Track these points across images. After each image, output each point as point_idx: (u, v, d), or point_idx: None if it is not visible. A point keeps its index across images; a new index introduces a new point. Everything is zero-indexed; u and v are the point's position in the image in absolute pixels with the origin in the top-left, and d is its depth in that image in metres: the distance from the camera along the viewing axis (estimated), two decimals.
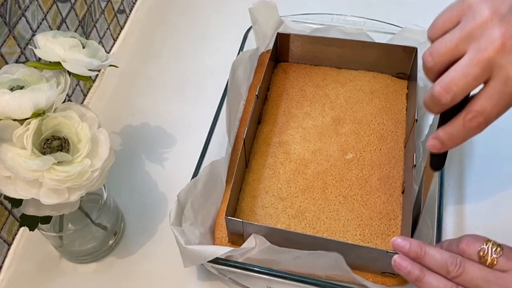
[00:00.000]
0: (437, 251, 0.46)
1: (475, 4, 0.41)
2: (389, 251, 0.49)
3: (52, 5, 0.64)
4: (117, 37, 0.83)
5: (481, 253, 0.45)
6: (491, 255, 0.44)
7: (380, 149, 0.63)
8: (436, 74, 0.42)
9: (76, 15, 0.70)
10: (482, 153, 0.64)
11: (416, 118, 0.59)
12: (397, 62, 0.69)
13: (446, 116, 0.43)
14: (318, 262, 0.50)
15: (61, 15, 0.66)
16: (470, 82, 0.40)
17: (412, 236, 0.52)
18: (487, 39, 0.39)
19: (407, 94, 0.69)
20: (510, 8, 0.39)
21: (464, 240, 0.46)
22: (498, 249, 0.44)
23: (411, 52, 0.67)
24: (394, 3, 0.83)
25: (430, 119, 0.61)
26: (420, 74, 0.66)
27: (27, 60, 0.60)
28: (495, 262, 0.44)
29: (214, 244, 0.57)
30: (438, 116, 0.45)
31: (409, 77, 0.70)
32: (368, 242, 0.56)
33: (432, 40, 0.43)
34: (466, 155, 0.55)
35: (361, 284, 0.51)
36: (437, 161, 0.48)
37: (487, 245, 0.45)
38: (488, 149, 0.64)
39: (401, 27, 0.71)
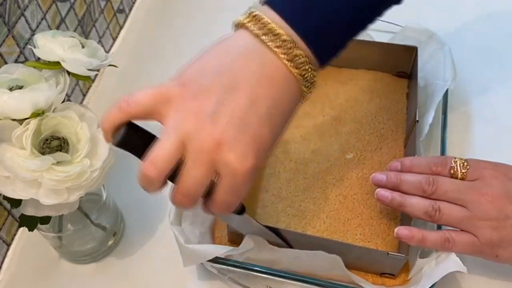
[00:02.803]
0: (411, 176, 0.52)
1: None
2: (390, 252, 0.49)
3: (51, 5, 0.64)
4: (117, 37, 0.82)
5: (452, 171, 0.51)
6: (461, 171, 0.51)
7: (381, 149, 0.63)
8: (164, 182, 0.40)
9: (76, 14, 0.69)
10: (483, 152, 0.64)
11: (417, 119, 0.59)
12: (398, 61, 0.69)
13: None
14: (317, 262, 0.50)
15: (60, 14, 0.66)
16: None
17: None
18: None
19: (407, 93, 0.69)
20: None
21: (435, 162, 0.52)
22: (465, 163, 0.51)
23: (411, 51, 0.67)
24: None
25: (431, 118, 0.60)
26: (421, 73, 0.66)
27: (26, 59, 0.60)
28: (464, 176, 0.51)
29: (213, 243, 0.57)
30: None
31: (410, 76, 0.69)
32: (368, 242, 0.55)
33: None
34: (466, 155, 0.56)
35: (361, 285, 0.51)
36: None
37: (455, 163, 0.51)
38: (488, 150, 0.64)
39: (402, 26, 0.71)
